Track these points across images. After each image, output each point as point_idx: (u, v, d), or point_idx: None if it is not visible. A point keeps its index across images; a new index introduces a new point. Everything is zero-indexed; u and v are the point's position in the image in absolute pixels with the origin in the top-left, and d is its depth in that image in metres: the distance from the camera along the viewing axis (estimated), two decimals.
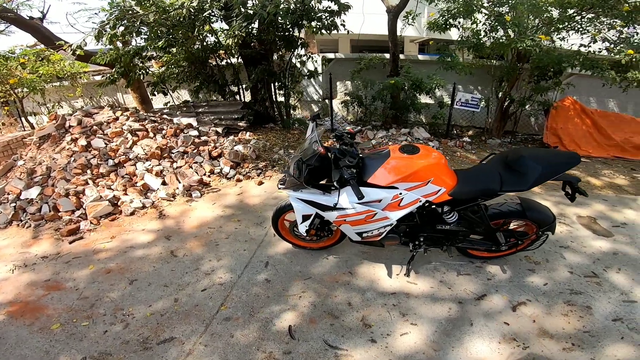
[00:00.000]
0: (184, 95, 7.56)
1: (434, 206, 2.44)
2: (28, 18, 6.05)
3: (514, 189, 2.23)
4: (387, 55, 6.13)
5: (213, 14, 4.68)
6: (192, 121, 5.83)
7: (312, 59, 5.94)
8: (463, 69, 5.17)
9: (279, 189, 2.54)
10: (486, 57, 5.73)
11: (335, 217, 2.36)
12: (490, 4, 4.74)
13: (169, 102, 6.52)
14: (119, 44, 5.79)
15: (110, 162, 4.26)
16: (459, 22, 5.14)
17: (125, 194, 3.99)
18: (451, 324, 2.21)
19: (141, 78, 6.07)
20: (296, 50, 5.45)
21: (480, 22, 4.92)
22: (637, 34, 5.03)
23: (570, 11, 4.94)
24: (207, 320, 2.26)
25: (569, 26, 4.97)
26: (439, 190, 2.24)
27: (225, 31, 5.25)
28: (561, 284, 2.59)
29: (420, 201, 2.27)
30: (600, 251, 3.03)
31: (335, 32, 5.25)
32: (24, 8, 6.27)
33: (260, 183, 4.40)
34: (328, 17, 4.93)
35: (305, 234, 2.63)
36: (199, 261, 2.90)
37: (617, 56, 4.66)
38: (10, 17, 5.89)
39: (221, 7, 4.53)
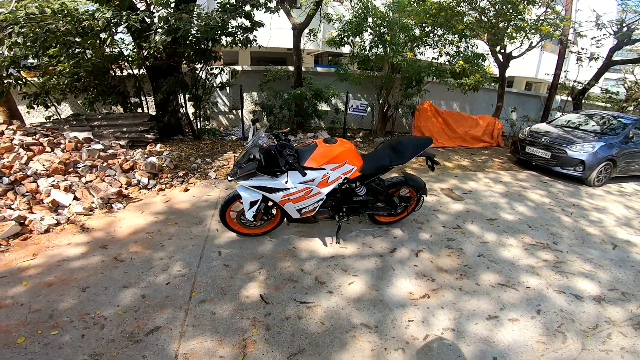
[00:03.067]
0: (66, 108, 6.80)
1: (350, 183, 3.23)
2: None
3: (399, 163, 3.23)
4: (291, 68, 6.89)
5: (125, 27, 4.58)
6: (87, 135, 5.41)
7: (224, 71, 6.23)
8: (354, 80, 6.31)
9: (229, 180, 2.94)
10: (370, 69, 7.04)
11: (281, 197, 2.91)
12: (375, 25, 5.98)
13: (52, 115, 5.84)
14: None
15: (5, 179, 3.77)
16: (351, 40, 6.28)
17: (32, 212, 3.62)
18: (380, 271, 2.98)
19: (12, 90, 5.31)
20: (209, 62, 5.68)
21: (366, 40, 6.14)
22: (467, 48, 6.97)
23: (427, 29, 6.55)
24: (184, 306, 2.47)
25: (426, 42, 6.59)
26: (353, 168, 3.06)
27: (136, 43, 5.13)
28: (440, 235, 3.67)
29: (341, 178, 3.04)
30: (458, 211, 4.33)
31: (252, 46, 5.71)
32: None
33: (186, 190, 4.52)
34: (242, 33, 5.36)
35: (252, 219, 3.08)
36: (150, 262, 2.98)
37: (454, 66, 6.45)
38: None
39: (138, 21, 4.47)
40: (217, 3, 5.16)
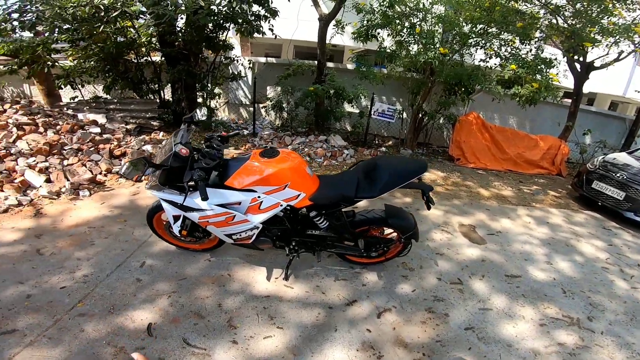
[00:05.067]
0: (100, 90, 7.09)
1: (301, 211, 2.47)
2: None
3: (366, 196, 2.36)
4: (333, 64, 6.31)
5: (126, 12, 4.45)
6: (101, 118, 5.45)
7: (238, 61, 5.90)
8: (375, 79, 5.48)
9: (146, 189, 2.45)
10: (405, 69, 6.11)
11: (198, 218, 2.32)
12: (402, 16, 5.05)
13: (77, 96, 6.03)
14: (30, 34, 5.32)
15: None
16: (379, 33, 5.45)
17: (1, 191, 3.57)
18: (316, 329, 2.25)
19: (45, 70, 5.58)
20: (221, 52, 5.38)
21: (396, 33, 5.24)
22: (530, 51, 5.67)
23: (479, 27, 5.43)
24: (59, 315, 2.12)
25: (477, 41, 5.45)
26: (299, 194, 2.31)
27: (137, 28, 5.06)
28: (428, 290, 2.77)
29: (281, 205, 2.31)
30: (471, 258, 3.32)
31: (265, 35, 5.30)
32: None
33: None
34: (254, 21, 4.95)
35: (179, 234, 2.54)
36: (66, 260, 2.67)
37: (504, 72, 5.23)
38: None
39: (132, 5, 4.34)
40: None
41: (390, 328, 2.33)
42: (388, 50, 5.31)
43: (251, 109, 6.99)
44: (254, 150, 2.44)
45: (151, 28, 4.13)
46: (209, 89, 5.55)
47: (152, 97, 5.99)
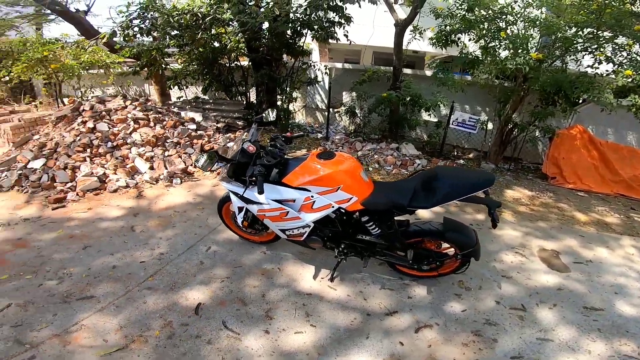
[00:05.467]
0: (199, 92, 8.12)
1: (355, 215, 2.53)
2: (75, 11, 6.75)
3: (419, 206, 2.27)
4: (410, 71, 6.21)
5: (218, 19, 5.07)
6: (198, 116, 6.25)
7: (315, 66, 6.17)
8: (453, 86, 5.13)
9: (219, 180, 2.77)
10: (491, 76, 5.59)
11: (257, 210, 2.53)
12: (489, 20, 4.63)
13: (182, 96, 7.02)
14: (148, 39, 6.36)
15: (110, 144, 4.72)
16: (459, 38, 5.11)
17: (115, 174, 4.40)
18: (348, 333, 2.26)
19: (159, 72, 6.62)
20: (299, 57, 5.70)
21: (478, 37, 4.84)
22: None
23: (585, 31, 4.68)
24: (131, 286, 2.52)
25: (585, 47, 4.69)
26: (351, 198, 2.33)
27: (229, 35, 5.67)
28: (480, 312, 2.54)
29: (333, 206, 2.37)
30: (544, 285, 2.93)
31: (339, 42, 5.47)
32: (72, 1, 6.99)
33: None
34: (329, 27, 5.15)
35: (240, 225, 2.82)
36: (150, 238, 3.17)
37: (617, 78, 4.39)
38: (59, 10, 6.59)
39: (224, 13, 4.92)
40: None
41: (425, 344, 2.22)
42: (470, 56, 4.92)
43: (326, 113, 7.23)
44: (312, 152, 2.56)
45: (238, 34, 4.61)
46: (287, 92, 5.92)
47: (240, 99, 6.64)
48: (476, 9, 4.57)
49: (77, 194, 3.98)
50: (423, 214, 3.86)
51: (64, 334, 2.09)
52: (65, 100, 8.26)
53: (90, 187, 4.09)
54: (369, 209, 2.38)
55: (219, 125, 6.14)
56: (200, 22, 5.03)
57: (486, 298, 2.71)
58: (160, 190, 4.23)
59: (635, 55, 4.44)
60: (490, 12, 4.57)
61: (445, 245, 2.62)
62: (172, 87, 6.94)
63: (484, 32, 4.56)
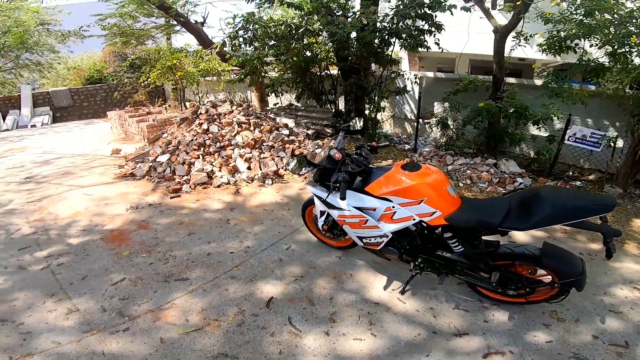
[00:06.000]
0: (293, 99, 8.70)
1: (437, 230, 2.47)
2: (194, 22, 7.91)
3: (513, 227, 2.10)
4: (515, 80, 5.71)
5: (310, 29, 5.42)
6: (290, 122, 6.75)
7: (404, 75, 6.08)
8: (570, 97, 4.46)
9: (305, 184, 3.00)
10: (622, 86, 4.71)
11: (337, 215, 2.67)
12: (615, 25, 3.93)
13: (278, 103, 7.66)
14: (251, 49, 7.10)
15: (218, 144, 5.47)
16: (576, 44, 4.43)
17: (220, 171, 5.09)
18: (408, 347, 2.22)
19: (259, 80, 7.35)
20: (387, 66, 5.71)
21: (600, 43, 4.12)
22: None
23: None
24: (219, 273, 2.91)
25: None
26: (434, 212, 2.29)
27: (319, 46, 5.98)
28: (569, 345, 2.23)
29: (414, 219, 2.35)
30: None
31: (430, 50, 5.32)
32: (191, 13, 8.18)
33: None
34: (418, 35, 5.05)
35: (320, 228, 3.00)
36: (241, 232, 3.60)
37: None
38: (182, 21, 7.73)
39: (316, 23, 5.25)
40: (393, 6, 4.99)
41: None
42: (593, 63, 4.20)
43: (415, 124, 7.02)
44: (396, 163, 2.60)
45: (328, 44, 4.86)
46: (375, 101, 5.96)
47: (329, 107, 6.94)
48: (596, 13, 3.92)
49: (190, 187, 4.72)
50: (519, 236, 3.50)
51: (157, 310, 2.51)
52: (187, 104, 9.82)
53: (200, 181, 4.82)
54: (454, 225, 2.29)
55: (309, 132, 6.53)
56: (294, 32, 5.44)
57: (582, 332, 2.34)
58: (254, 189, 4.73)
59: None
60: (615, 16, 3.87)
61: (541, 272, 2.37)
62: (269, 94, 7.62)
63: (610, 37, 3.87)
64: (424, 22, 4.97)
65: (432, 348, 2.23)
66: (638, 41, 3.72)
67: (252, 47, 6.12)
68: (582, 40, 4.17)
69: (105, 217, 3.99)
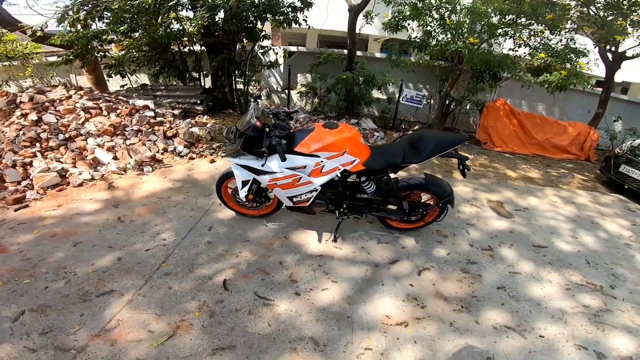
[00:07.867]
0: (143, 78, 7.54)
1: (353, 176, 2.88)
2: None
3: (412, 162, 2.74)
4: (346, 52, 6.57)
5: (180, 2, 4.83)
6: (149, 103, 5.90)
7: (273, 50, 6.23)
8: (406, 67, 5.70)
9: (222, 157, 2.85)
10: (433, 58, 6.29)
11: (268, 180, 2.71)
12: (435, 8, 5.26)
13: (126, 84, 6.51)
14: (79, 27, 5.73)
15: (61, 136, 4.29)
16: (409, 24, 5.66)
17: (74, 167, 4.06)
18: (366, 283, 2.60)
19: (98, 60, 6.05)
20: (258, 41, 5.70)
21: (425, 24, 5.45)
22: (560, 42, 5.76)
23: (508, 18, 5.55)
24: (148, 275, 2.49)
25: (506, 32, 5.59)
26: (354, 160, 2.69)
27: (189, 19, 5.42)
28: (461, 254, 3.08)
29: (339, 169, 2.69)
30: (499, 230, 3.60)
31: (301, 26, 5.59)
32: None
33: (212, 161, 4.61)
34: (290, 12, 5.25)
35: (244, 199, 2.95)
36: (145, 226, 3.10)
37: (534, 60, 5.37)
38: None
39: None
40: None
41: (430, 284, 2.66)
42: (417, 40, 5.51)
43: (282, 95, 7.33)
44: (316, 124, 2.82)
45: (205, 17, 4.48)
46: (248, 75, 5.90)
47: (194, 84, 6.40)
48: None
49: (37, 192, 3.62)
50: (401, 173, 4.36)
51: (104, 333, 2.01)
52: None
53: (50, 183, 3.74)
54: (370, 168, 2.76)
55: (175, 111, 5.90)
56: (159, 5, 4.71)
57: (461, 243, 3.27)
58: (132, 179, 4.04)
59: (547, 40, 5.42)
60: (436, 1, 5.16)
61: (425, 197, 3.14)
62: (113, 75, 6.37)
63: (430, 19, 5.16)
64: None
65: (381, 278, 2.67)
66: (450, 23, 5.07)
67: (102, 22, 4.94)
68: (412, 21, 5.33)
69: None
